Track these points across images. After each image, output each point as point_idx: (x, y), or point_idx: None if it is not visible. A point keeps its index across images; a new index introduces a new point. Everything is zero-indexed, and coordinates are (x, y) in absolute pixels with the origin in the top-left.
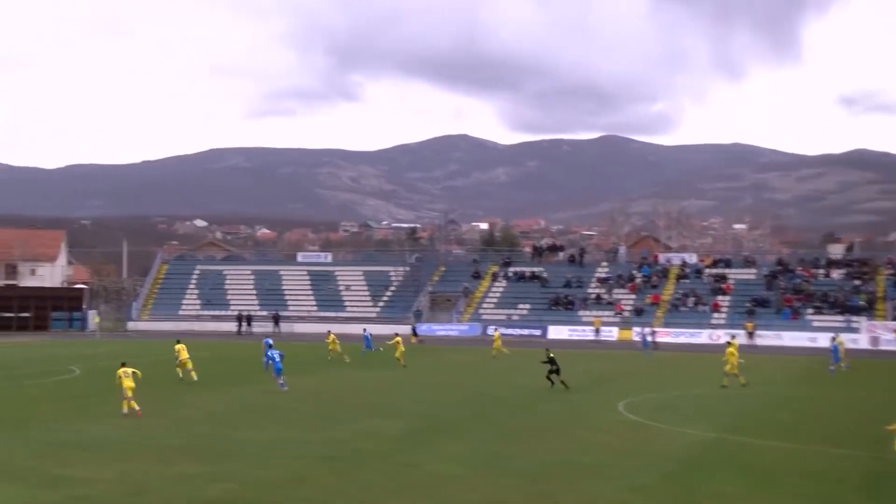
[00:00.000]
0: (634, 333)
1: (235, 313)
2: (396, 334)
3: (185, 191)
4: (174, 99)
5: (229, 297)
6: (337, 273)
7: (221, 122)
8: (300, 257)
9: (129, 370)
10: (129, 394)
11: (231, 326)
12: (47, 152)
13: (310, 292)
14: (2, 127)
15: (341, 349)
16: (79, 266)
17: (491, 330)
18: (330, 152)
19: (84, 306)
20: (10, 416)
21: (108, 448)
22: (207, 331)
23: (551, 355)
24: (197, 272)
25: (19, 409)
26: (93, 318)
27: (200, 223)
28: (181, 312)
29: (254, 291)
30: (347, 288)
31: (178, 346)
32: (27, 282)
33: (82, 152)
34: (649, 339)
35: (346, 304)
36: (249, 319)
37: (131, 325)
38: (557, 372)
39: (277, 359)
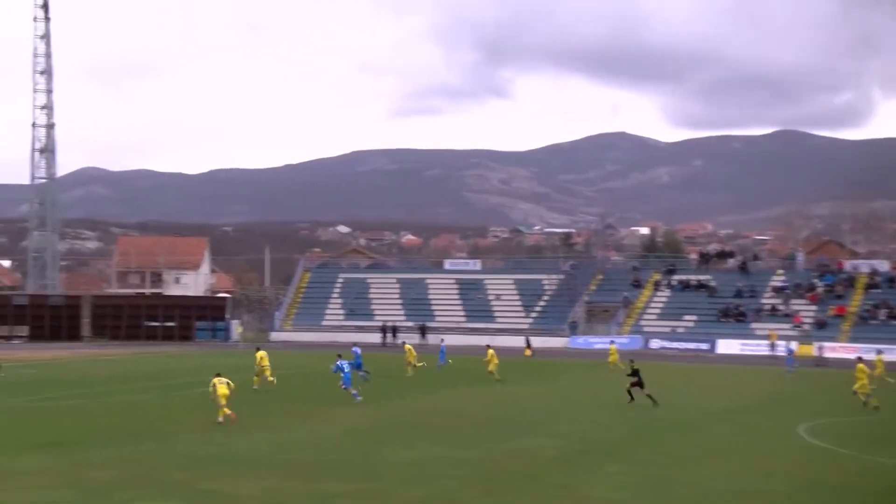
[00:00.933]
0: (778, 348)
1: (380, 324)
2: (489, 346)
3: (327, 195)
4: (316, 100)
5: (373, 306)
6: (486, 281)
7: (365, 122)
8: (447, 265)
9: (224, 380)
10: (223, 402)
11: (375, 337)
12: (190, 157)
13: (458, 302)
14: (146, 133)
15: (415, 361)
16: (221, 274)
17: (654, 344)
18: (478, 153)
19: (227, 316)
20: (157, 428)
21: (251, 463)
22: (351, 342)
23: (635, 367)
24: (340, 280)
25: (166, 420)
26: (236, 328)
27: (343, 229)
28: (324, 322)
29: (399, 301)
30: (497, 297)
31: (259, 354)
32: (172, 290)
33: (225, 157)
34: (786, 353)
35: (496, 314)
36: (394, 330)
37: (274, 336)
38: (641, 385)
39: (346, 369)
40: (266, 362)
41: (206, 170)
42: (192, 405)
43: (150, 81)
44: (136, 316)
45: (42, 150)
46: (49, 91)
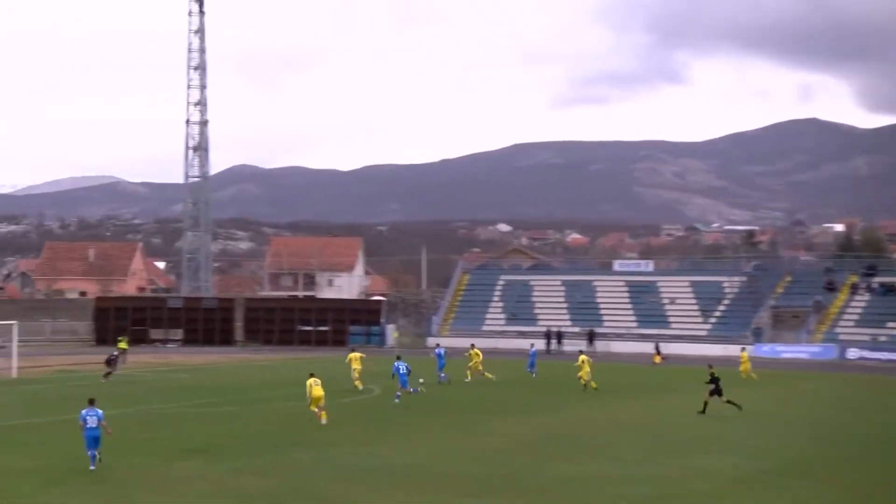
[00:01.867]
0: None
1: (544, 329)
2: (581, 352)
3: (487, 192)
4: (474, 91)
5: (536, 310)
6: (660, 284)
7: (526, 113)
8: (617, 266)
9: (318, 380)
10: (321, 403)
11: (539, 344)
12: (343, 153)
13: (628, 306)
14: (298, 128)
15: (481, 367)
16: (376, 276)
17: (851, 354)
18: (650, 144)
19: (382, 320)
20: (311, 436)
21: (409, 476)
22: (513, 348)
23: (714, 374)
24: (501, 283)
25: (320, 428)
26: (391, 332)
27: (504, 228)
28: (484, 327)
29: (564, 304)
30: (672, 301)
31: (352, 355)
32: (325, 293)
33: (378, 152)
34: None
35: (671, 319)
36: (560, 336)
37: (431, 341)
38: (719, 393)
39: (403, 370)
40: (358, 364)
41: (359, 166)
42: (347, 414)
43: (302, 75)
44: (289, 320)
45: (195, 148)
46: (203, 87)
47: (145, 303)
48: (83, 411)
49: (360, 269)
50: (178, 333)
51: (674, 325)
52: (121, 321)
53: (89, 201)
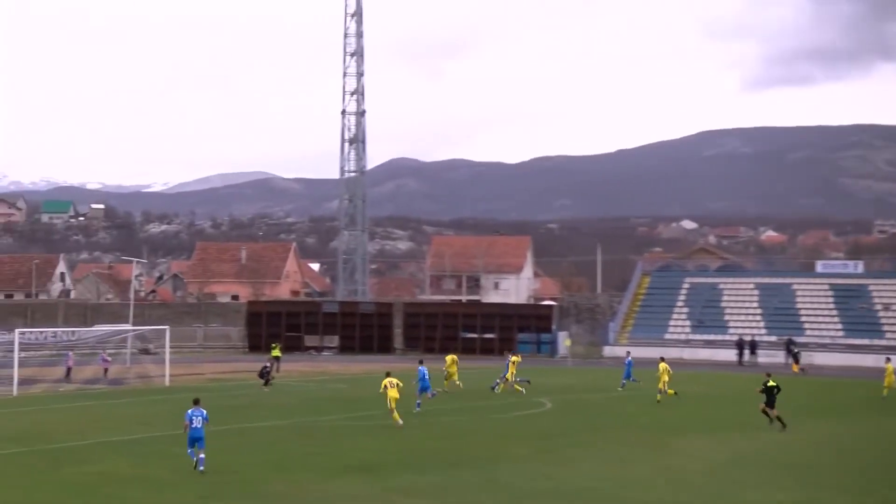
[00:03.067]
0: None
1: (735, 338)
2: (662, 359)
3: (669, 185)
4: (654, 74)
5: (727, 317)
6: (871, 287)
7: (713, 97)
8: (819, 267)
9: (395, 380)
10: (393, 405)
11: (730, 354)
12: (510, 145)
13: (833, 312)
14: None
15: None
16: (546, 278)
17: None
18: (859, 129)
19: (553, 327)
20: (476, 454)
21: (585, 501)
22: (700, 359)
23: (770, 383)
24: (686, 286)
25: (486, 445)
26: (563, 341)
27: (689, 224)
28: (667, 336)
29: (758, 310)
30: (886, 308)
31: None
32: (491, 297)
33: (548, 143)
34: None
35: (885, 328)
36: (753, 346)
37: (608, 351)
38: (772, 405)
39: (426, 374)
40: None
41: (527, 158)
42: (515, 430)
43: (466, 60)
44: (452, 326)
45: (352, 141)
46: (360, 75)
47: (299, 307)
48: (189, 411)
49: (528, 270)
50: (334, 340)
51: (888, 335)
52: (274, 327)
53: (241, 199)
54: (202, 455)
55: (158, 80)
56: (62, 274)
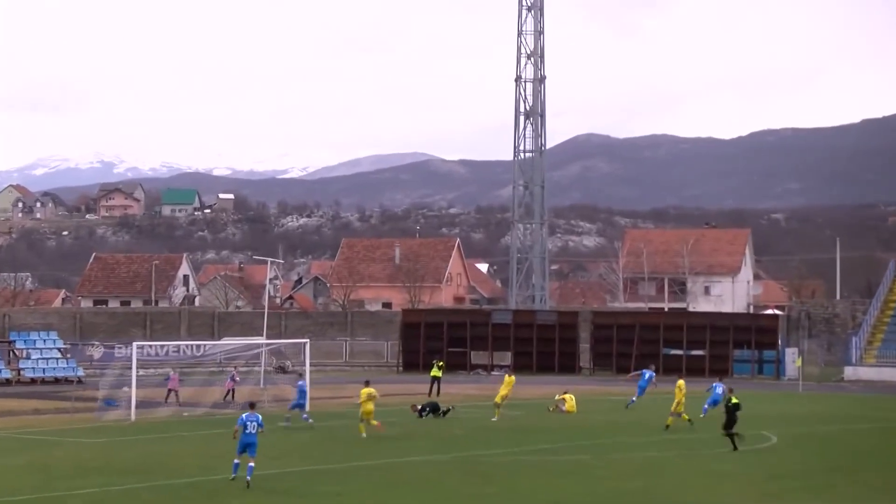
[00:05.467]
0: None
1: None
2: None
3: None
4: None
5: None
6: None
7: None
8: None
9: (373, 391)
10: (367, 417)
11: None
12: (724, 116)
13: None
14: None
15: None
16: (769, 281)
17: None
18: None
19: (779, 342)
20: (684, 499)
21: None
22: None
23: (734, 400)
24: None
25: (695, 489)
26: (793, 359)
27: None
28: None
29: None
30: None
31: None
32: (700, 304)
33: (771, 114)
34: None
35: None
36: None
37: (850, 372)
38: (730, 425)
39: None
40: (369, 407)
41: (744, 133)
42: (731, 468)
43: (666, 13)
44: (652, 340)
45: (528, 114)
46: (539, 33)
47: (464, 317)
48: (243, 415)
49: (747, 271)
50: (506, 357)
51: None
52: (434, 341)
53: (394, 185)
54: (252, 464)
55: (297, 48)
56: (185, 277)
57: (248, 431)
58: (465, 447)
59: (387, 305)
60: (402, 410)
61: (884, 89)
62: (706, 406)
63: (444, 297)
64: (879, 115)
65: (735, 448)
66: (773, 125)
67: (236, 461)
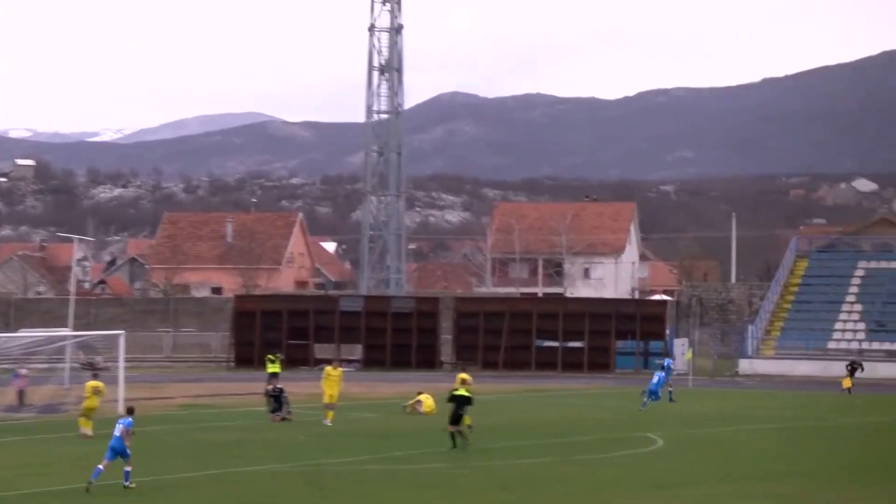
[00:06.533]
0: None
1: None
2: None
3: (837, 129)
4: None
5: None
6: None
7: None
8: None
9: (100, 385)
10: (87, 413)
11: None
12: (607, 74)
13: None
14: (538, 39)
15: None
16: (657, 263)
17: None
18: None
19: (667, 332)
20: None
21: None
22: (881, 378)
23: (460, 392)
24: (860, 273)
25: (576, 499)
26: (682, 351)
27: (865, 185)
28: (830, 344)
29: None
30: None
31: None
32: (579, 289)
33: (660, 72)
34: None
35: None
36: None
37: (745, 366)
38: (456, 421)
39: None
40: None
41: (631, 93)
42: (613, 476)
43: None
44: (523, 331)
45: (383, 69)
46: None
47: (307, 304)
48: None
49: (632, 251)
50: (356, 351)
51: None
52: (271, 332)
53: (226, 151)
54: (127, 468)
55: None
56: None
57: (114, 434)
58: (307, 455)
59: (216, 291)
60: (238, 412)
61: (787, 46)
62: (645, 399)
63: (283, 282)
64: (781, 75)
65: (454, 446)
66: (664, 84)
67: (100, 465)
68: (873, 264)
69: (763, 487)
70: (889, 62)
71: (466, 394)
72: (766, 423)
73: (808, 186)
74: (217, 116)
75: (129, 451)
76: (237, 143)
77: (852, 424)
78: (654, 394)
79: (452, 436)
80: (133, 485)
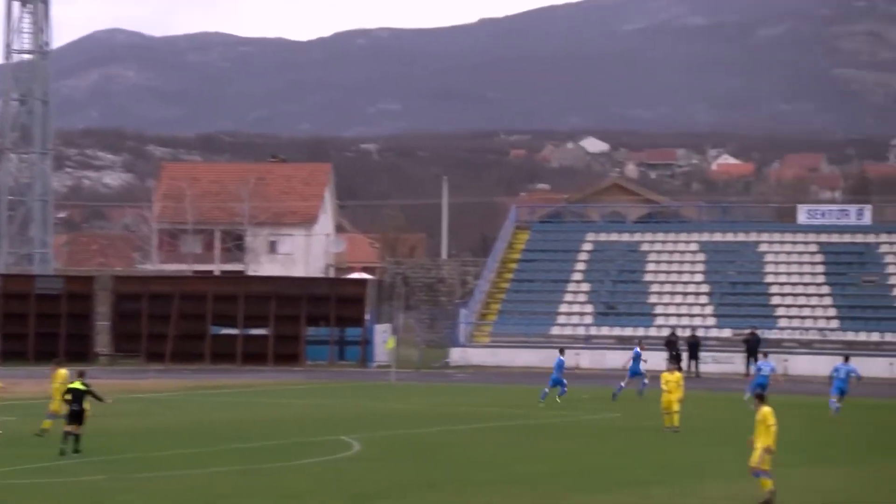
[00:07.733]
0: None
1: (666, 332)
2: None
3: (564, 79)
4: None
5: (652, 298)
6: (883, 249)
7: None
8: (803, 215)
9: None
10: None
11: (658, 359)
12: (299, 12)
13: (825, 290)
14: None
15: None
16: (356, 235)
17: None
18: None
19: (367, 316)
20: None
21: None
22: (610, 368)
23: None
24: (587, 246)
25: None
26: (384, 339)
27: (595, 145)
28: (554, 330)
29: (705, 287)
30: None
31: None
32: (264, 267)
33: (360, 9)
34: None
35: None
36: (695, 345)
37: (457, 355)
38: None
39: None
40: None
41: (326, 33)
42: (303, 487)
43: None
44: (196, 316)
45: (24, 2)
46: None
47: None
48: None
49: (326, 221)
50: None
51: None
52: None
53: None
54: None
55: None
56: None
57: None
58: None
59: None
60: None
61: None
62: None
63: None
64: (501, 15)
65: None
66: (365, 24)
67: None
68: (603, 236)
69: (474, 498)
70: (621, 3)
71: (82, 387)
72: (481, 422)
73: (530, 146)
74: None
75: None
76: None
77: (574, 423)
78: (558, 382)
79: (67, 437)
80: None
